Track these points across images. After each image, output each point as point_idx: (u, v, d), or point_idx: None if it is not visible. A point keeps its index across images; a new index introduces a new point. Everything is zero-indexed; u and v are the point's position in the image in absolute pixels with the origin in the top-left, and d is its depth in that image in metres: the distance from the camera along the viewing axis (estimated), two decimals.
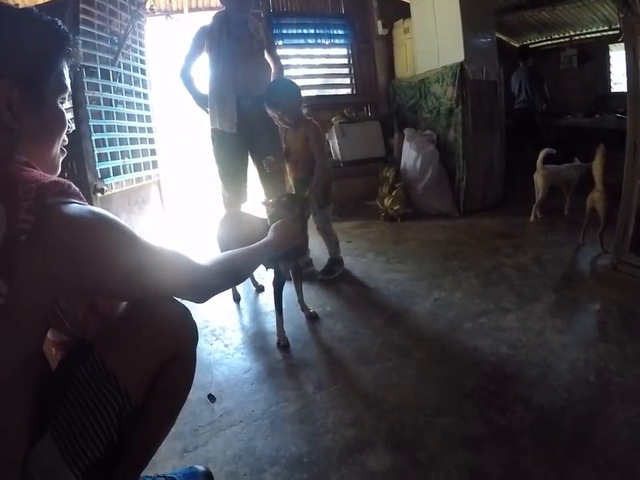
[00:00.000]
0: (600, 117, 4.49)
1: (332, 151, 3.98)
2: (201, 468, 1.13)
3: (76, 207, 0.66)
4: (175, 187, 4.76)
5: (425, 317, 1.96)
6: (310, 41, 4.08)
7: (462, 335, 1.80)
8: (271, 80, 2.83)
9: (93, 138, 2.70)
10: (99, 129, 2.78)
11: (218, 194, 2.88)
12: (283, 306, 1.90)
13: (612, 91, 4.87)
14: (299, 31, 4.11)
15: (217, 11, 2.68)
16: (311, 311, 2.04)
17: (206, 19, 2.69)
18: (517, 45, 5.23)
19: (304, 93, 2.89)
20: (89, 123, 2.68)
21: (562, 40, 5.09)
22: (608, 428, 1.28)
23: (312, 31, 4.20)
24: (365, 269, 2.57)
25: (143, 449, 0.88)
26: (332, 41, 4.31)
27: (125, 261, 0.71)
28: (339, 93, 4.52)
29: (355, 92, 4.49)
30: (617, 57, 4.70)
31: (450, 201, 3.67)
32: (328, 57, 4.40)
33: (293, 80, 2.48)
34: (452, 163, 3.69)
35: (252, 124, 2.61)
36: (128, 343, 0.78)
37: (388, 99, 4.47)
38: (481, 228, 3.31)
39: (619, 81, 4.80)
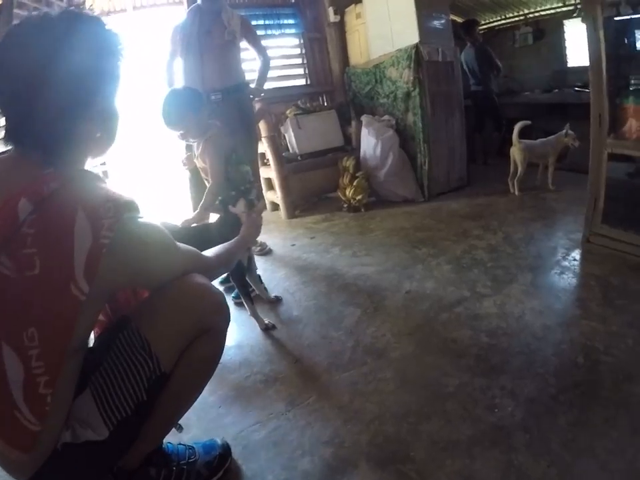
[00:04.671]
0: (559, 92, 4.50)
1: (288, 145, 3.82)
2: (218, 440, 1.19)
3: (140, 224, 0.80)
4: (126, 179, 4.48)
5: (397, 312, 1.83)
6: (260, 32, 3.87)
7: (439, 327, 1.69)
8: (258, 72, 2.77)
9: None
10: None
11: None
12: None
13: (568, 65, 4.88)
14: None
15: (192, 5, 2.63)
16: (273, 296, 2.06)
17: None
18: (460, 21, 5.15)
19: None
20: None
21: (517, 18, 5.06)
22: (603, 412, 1.19)
23: (261, 22, 4.01)
24: (331, 265, 2.42)
25: (168, 412, 0.97)
26: (282, 31, 4.14)
27: (169, 267, 0.90)
28: (292, 85, 4.33)
29: (309, 82, 4.32)
30: (572, 32, 4.70)
31: (413, 186, 3.56)
32: (279, 47, 4.20)
33: (186, 88, 2.19)
34: (413, 147, 3.58)
35: (224, 119, 2.45)
36: (162, 316, 0.90)
37: (343, 87, 4.30)
38: (447, 211, 3.22)
39: (574, 56, 4.81)
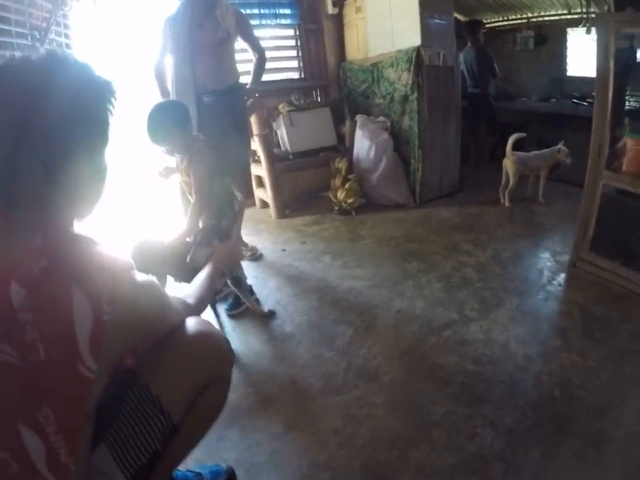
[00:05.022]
0: (556, 102, 4.67)
1: (280, 142, 3.90)
2: (224, 465, 1.32)
3: (137, 286, 0.81)
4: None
5: (388, 333, 1.99)
6: (254, 21, 3.88)
7: (427, 351, 1.85)
8: (253, 71, 2.77)
9: None
10: None
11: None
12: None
13: (567, 74, 5.04)
14: (243, 11, 3.85)
15: None
16: (266, 310, 2.20)
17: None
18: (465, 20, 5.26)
19: (246, 80, 2.81)
20: None
21: (519, 21, 5.16)
22: (573, 446, 1.37)
23: (256, 11, 4.00)
24: (322, 276, 2.56)
25: (178, 454, 1.05)
26: (278, 21, 4.13)
27: (168, 321, 0.96)
28: (286, 78, 4.38)
29: (303, 76, 4.36)
30: (575, 41, 4.83)
31: (405, 191, 3.71)
32: (274, 38, 4.20)
33: (171, 102, 2.23)
34: (407, 152, 3.71)
35: (216, 123, 2.49)
36: (170, 372, 0.96)
37: (338, 82, 4.38)
38: (438, 220, 3.39)
39: (574, 65, 4.96)
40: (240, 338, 2.04)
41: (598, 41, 2.18)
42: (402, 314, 2.13)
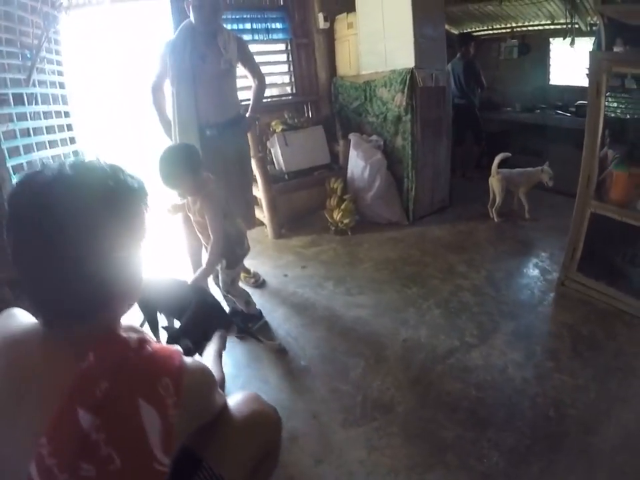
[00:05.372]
0: (540, 112, 5.03)
1: (274, 161, 4.12)
2: None
3: (193, 375, 0.87)
4: None
5: (397, 364, 2.25)
6: (246, 36, 4.05)
7: (435, 379, 2.13)
8: (253, 97, 2.89)
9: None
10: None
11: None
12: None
13: (550, 82, 5.39)
14: (235, 26, 4.07)
15: (183, 22, 2.62)
16: (278, 343, 2.42)
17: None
18: (456, 32, 5.57)
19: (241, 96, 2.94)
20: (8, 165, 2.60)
21: (503, 31, 5.49)
22: (566, 461, 1.67)
23: (248, 26, 4.20)
24: (328, 304, 2.81)
25: None
26: (270, 36, 4.33)
27: (221, 401, 1.05)
28: (277, 93, 4.60)
29: (294, 90, 4.59)
30: (557, 50, 5.18)
31: (398, 209, 4.01)
32: (265, 53, 4.39)
33: (184, 147, 2.22)
34: (399, 170, 3.99)
35: (219, 156, 2.61)
36: (231, 451, 1.07)
37: (329, 97, 4.62)
38: (431, 239, 3.70)
39: (557, 74, 5.32)
40: (256, 374, 2.27)
41: (590, 78, 2.43)
42: (408, 343, 2.40)
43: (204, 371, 0.95)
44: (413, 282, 3.01)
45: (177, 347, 0.92)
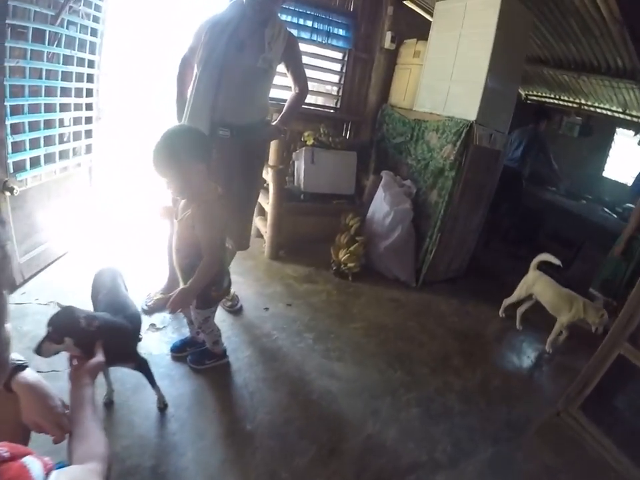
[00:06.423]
0: (586, 204, 4.76)
1: (295, 175, 3.90)
2: None
3: None
4: (112, 174, 4.51)
5: (351, 464, 1.98)
6: (304, 34, 3.88)
7: None
8: (288, 105, 2.61)
9: (8, 122, 2.45)
10: (17, 109, 2.52)
11: None
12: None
13: (604, 174, 5.14)
14: (295, 20, 3.85)
15: None
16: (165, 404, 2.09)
17: None
18: (524, 94, 5.36)
19: (277, 94, 2.70)
20: (5, 103, 2.42)
21: (570, 104, 5.22)
22: None
23: (309, 23, 3.97)
24: (300, 362, 2.56)
25: None
26: (329, 40, 4.09)
27: None
28: (319, 103, 4.40)
29: (338, 105, 4.37)
30: (621, 141, 4.94)
31: (410, 269, 3.74)
32: (319, 57, 4.17)
33: (194, 129, 1.95)
34: (424, 227, 3.72)
35: (224, 161, 2.36)
36: None
37: (374, 123, 4.38)
38: (435, 314, 3.43)
39: (614, 167, 5.06)
40: (194, 422, 2.03)
41: None
42: (371, 441, 2.13)
43: None
44: (401, 364, 2.74)
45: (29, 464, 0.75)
